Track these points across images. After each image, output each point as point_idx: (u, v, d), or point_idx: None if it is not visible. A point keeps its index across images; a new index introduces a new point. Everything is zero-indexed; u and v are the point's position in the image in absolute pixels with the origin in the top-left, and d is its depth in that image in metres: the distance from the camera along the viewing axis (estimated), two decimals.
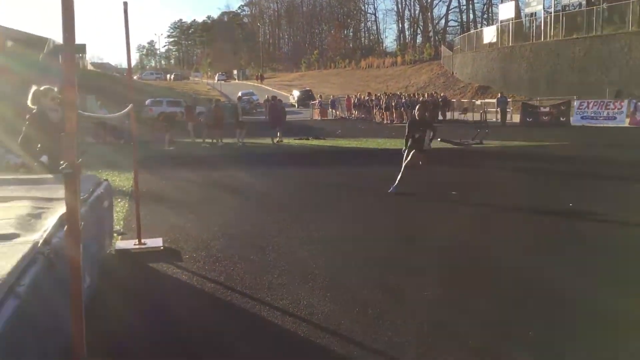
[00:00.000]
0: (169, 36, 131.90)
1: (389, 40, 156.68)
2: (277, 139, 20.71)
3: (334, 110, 39.38)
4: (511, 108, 31.73)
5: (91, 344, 2.38)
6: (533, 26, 42.64)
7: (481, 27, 60.76)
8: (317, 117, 38.20)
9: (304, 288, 4.82)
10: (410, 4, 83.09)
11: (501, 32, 44.15)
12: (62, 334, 2.99)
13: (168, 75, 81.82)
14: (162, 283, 5.09)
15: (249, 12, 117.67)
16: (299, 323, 4.10)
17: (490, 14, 72.84)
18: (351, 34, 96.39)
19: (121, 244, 6.23)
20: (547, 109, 28.68)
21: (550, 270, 5.29)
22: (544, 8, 40.50)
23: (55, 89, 6.08)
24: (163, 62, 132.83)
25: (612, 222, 7.22)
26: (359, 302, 4.49)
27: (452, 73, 51.46)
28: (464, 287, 4.86)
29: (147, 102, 33.67)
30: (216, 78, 76.32)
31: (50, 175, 5.29)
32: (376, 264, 5.55)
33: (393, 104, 33.22)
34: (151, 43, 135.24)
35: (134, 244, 6.13)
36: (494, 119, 30.34)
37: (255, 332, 4.01)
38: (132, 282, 5.10)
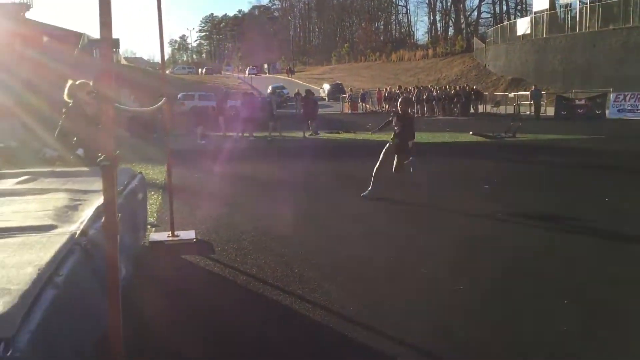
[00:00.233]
0: (200, 30, 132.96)
1: (420, 32, 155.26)
2: (310, 132, 20.71)
3: (364, 104, 39.20)
4: (545, 101, 31.17)
5: (127, 334, 2.42)
6: (568, 17, 41.69)
7: (514, 18, 59.68)
8: (347, 110, 38.09)
9: (336, 281, 4.82)
10: None
11: (535, 23, 43.29)
12: (99, 323, 3.05)
13: (200, 69, 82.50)
14: (195, 275, 5.15)
15: (279, 6, 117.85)
16: (330, 316, 4.11)
17: (523, 5, 71.45)
18: (382, 26, 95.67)
19: (155, 236, 6.31)
20: (583, 102, 28.06)
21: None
22: None
23: (91, 83, 6.18)
24: (195, 56, 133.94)
25: None
26: (390, 297, 4.48)
27: (485, 65, 50.72)
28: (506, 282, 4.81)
29: (179, 96, 33.99)
30: (247, 72, 76.63)
31: (86, 168, 5.38)
32: (408, 257, 5.52)
33: (424, 97, 32.91)
34: (183, 37, 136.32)
35: (167, 236, 6.21)
36: (528, 112, 29.86)
37: (286, 324, 4.03)
38: (166, 274, 5.17)
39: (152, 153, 13.11)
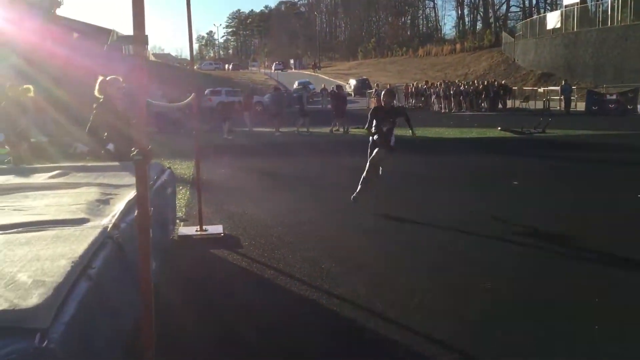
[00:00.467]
0: (227, 26, 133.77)
1: (448, 27, 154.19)
2: (335, 127, 20.67)
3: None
4: (576, 96, 30.63)
5: (156, 326, 2.44)
6: (599, 11, 40.84)
7: (544, 12, 58.73)
8: (373, 105, 37.92)
9: (362, 277, 4.82)
10: None
11: (565, 17, 42.53)
12: (130, 316, 3.10)
13: (226, 65, 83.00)
14: (223, 269, 5.19)
15: (305, 1, 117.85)
16: (357, 311, 4.11)
17: None
18: (409, 21, 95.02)
19: (183, 230, 6.38)
20: (614, 97, 27.46)
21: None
22: None
23: (121, 79, 6.27)
24: (221, 52, 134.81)
25: None
26: (417, 291, 4.45)
27: (514, 60, 50.04)
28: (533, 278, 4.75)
29: (206, 92, 34.23)
30: (273, 67, 76.86)
31: (116, 163, 5.47)
32: (437, 254, 5.49)
33: (451, 92, 32.59)
34: (210, 34, 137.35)
35: (196, 231, 6.28)
36: (558, 107, 29.38)
37: (313, 318, 4.04)
38: (195, 268, 5.22)
39: (179, 148, 13.25)
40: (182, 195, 8.35)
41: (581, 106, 28.95)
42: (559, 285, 4.58)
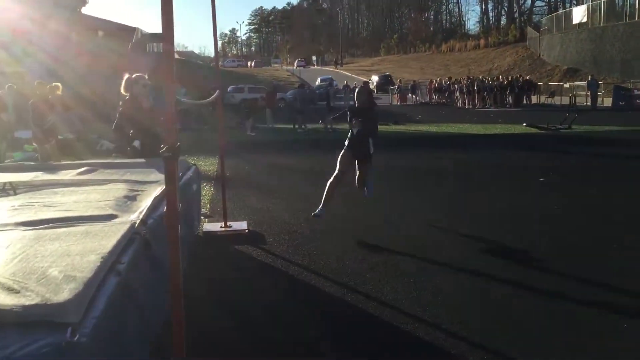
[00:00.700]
0: (250, 24, 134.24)
1: (472, 22, 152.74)
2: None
3: (414, 96, 38.78)
4: (602, 91, 30.15)
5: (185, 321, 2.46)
6: (627, 4, 40.11)
7: (570, 6, 57.87)
8: (396, 102, 37.78)
9: (388, 274, 4.80)
10: None
11: (592, 11, 41.85)
12: (158, 311, 3.13)
13: (249, 62, 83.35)
14: (247, 265, 5.21)
15: None
16: (383, 308, 4.09)
17: None
18: (432, 17, 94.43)
19: (208, 226, 6.42)
20: None
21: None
22: None
23: (146, 77, 6.32)
24: (244, 49, 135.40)
25: None
26: (444, 288, 4.43)
27: (539, 55, 49.43)
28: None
29: (229, 89, 34.40)
30: (295, 64, 76.97)
31: (142, 160, 5.52)
32: (458, 248, 5.45)
33: (475, 87, 32.28)
34: (233, 31, 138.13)
35: (220, 227, 6.31)
36: (584, 103, 28.95)
37: (338, 315, 4.04)
38: (220, 264, 5.25)
39: (203, 145, 13.34)
40: (206, 192, 8.40)
41: (608, 102, 28.53)
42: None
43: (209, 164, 11.47)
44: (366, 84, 23.63)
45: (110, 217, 3.33)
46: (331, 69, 72.47)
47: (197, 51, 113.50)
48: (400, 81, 42.79)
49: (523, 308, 4.06)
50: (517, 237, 5.90)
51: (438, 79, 39.48)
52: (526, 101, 31.89)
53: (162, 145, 2.07)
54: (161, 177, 4.51)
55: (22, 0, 28.95)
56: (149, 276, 3.10)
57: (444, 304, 4.12)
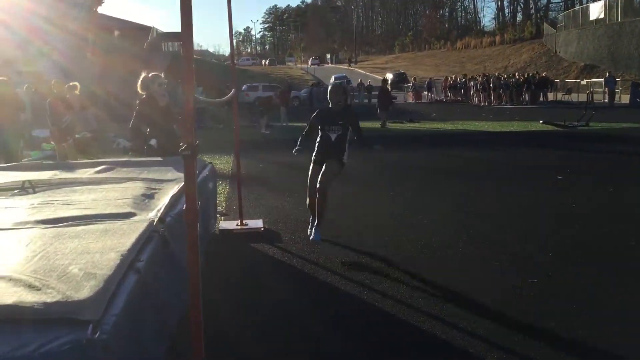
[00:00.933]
0: (264, 22, 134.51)
1: (487, 19, 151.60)
2: (383, 122, 20.56)
3: (429, 94, 38.62)
4: (620, 88, 29.80)
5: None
6: None
7: (587, 2, 57.19)
8: (411, 100, 37.66)
9: (404, 272, 4.79)
10: None
11: (609, 7, 41.35)
12: (176, 308, 3.15)
13: (263, 61, 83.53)
14: (264, 263, 5.23)
15: None
16: (400, 306, 4.08)
17: None
18: (447, 13, 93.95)
19: (224, 224, 6.45)
20: None
21: None
22: None
23: (162, 75, 6.36)
24: (258, 48, 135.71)
25: None
26: (459, 287, 4.41)
27: (555, 52, 48.96)
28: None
29: (244, 87, 34.54)
30: (309, 62, 76.98)
31: (159, 158, 5.55)
32: (478, 247, 5.42)
33: (491, 84, 32.06)
34: (247, 29, 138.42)
35: (236, 225, 6.33)
36: (601, 100, 28.64)
37: (354, 313, 4.03)
38: (236, 262, 5.27)
39: (218, 144, 13.38)
40: (222, 190, 8.44)
41: (625, 99, 28.19)
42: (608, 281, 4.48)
43: (224, 163, 11.51)
44: (384, 82, 23.47)
45: (128, 215, 3.36)
46: (345, 67, 72.37)
47: (211, 50, 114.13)
48: (414, 79, 42.61)
49: (540, 308, 4.02)
50: (534, 235, 5.85)
51: (453, 76, 39.27)
52: (543, 98, 31.61)
53: (180, 144, 2.09)
54: (178, 175, 4.54)
55: (39, 0, 29.22)
56: (166, 274, 3.12)
57: (461, 303, 4.10)
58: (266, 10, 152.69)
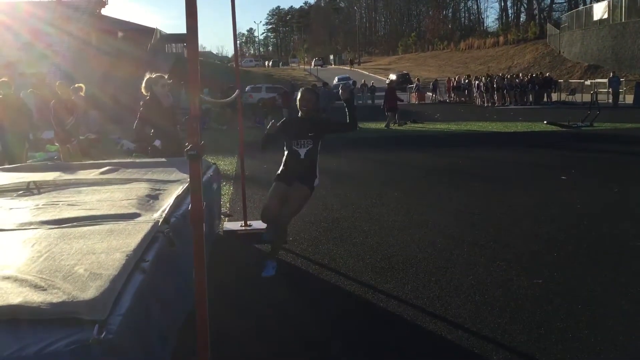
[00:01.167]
0: (267, 23, 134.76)
1: (490, 19, 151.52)
2: (393, 122, 20.63)
3: (433, 95, 38.59)
4: (624, 88, 29.73)
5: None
6: None
7: (590, 3, 57.09)
8: (414, 100, 37.64)
9: (409, 272, 4.78)
10: None
11: (613, 7, 41.25)
12: (181, 309, 3.15)
13: (266, 62, 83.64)
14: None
15: None
16: (404, 307, 4.08)
17: None
18: (450, 14, 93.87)
19: (228, 225, 6.44)
20: None
21: None
22: None
23: (166, 77, 6.37)
24: (261, 49, 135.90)
25: None
26: (465, 287, 4.40)
27: (559, 52, 48.87)
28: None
29: (247, 88, 34.57)
30: (313, 63, 77.04)
31: (163, 159, 5.56)
32: (483, 248, 5.41)
33: (494, 85, 32.01)
34: (250, 31, 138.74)
35: (241, 226, 6.33)
36: (605, 100, 28.57)
37: (359, 313, 4.03)
38: (241, 262, 5.27)
39: (222, 144, 13.40)
40: (226, 191, 8.44)
41: (629, 99, 28.12)
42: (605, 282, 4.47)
43: (227, 163, 11.53)
44: (391, 82, 23.48)
45: (133, 216, 3.36)
46: (348, 68, 72.38)
47: (214, 51, 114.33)
48: (418, 79, 42.59)
49: (546, 308, 4.01)
50: (539, 235, 5.84)
51: (456, 77, 39.24)
52: (546, 99, 31.57)
53: (184, 144, 2.09)
54: (182, 176, 4.55)
55: (42, 3, 29.32)
56: (171, 274, 3.13)
57: (466, 303, 4.10)
58: (269, 12, 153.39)
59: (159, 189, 4.15)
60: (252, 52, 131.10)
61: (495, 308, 4.00)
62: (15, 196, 4.10)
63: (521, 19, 75.44)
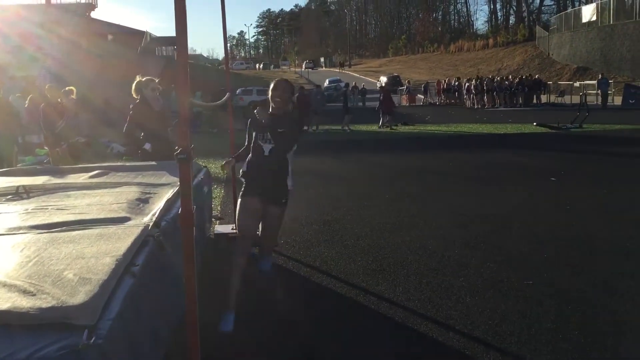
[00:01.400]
0: (257, 26, 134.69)
1: (480, 22, 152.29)
2: (385, 124, 20.74)
3: (424, 97, 38.68)
4: (613, 90, 29.94)
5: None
6: (636, 2, 39.80)
7: (579, 5, 57.52)
8: (405, 103, 37.71)
9: (400, 274, 4.79)
10: None
11: (601, 9, 41.57)
12: (172, 313, 3.14)
13: (257, 65, 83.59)
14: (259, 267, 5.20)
15: None
16: (396, 309, 4.08)
17: None
18: (440, 17, 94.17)
19: (219, 228, 6.43)
20: None
21: None
22: None
23: (156, 80, 6.34)
24: (252, 51, 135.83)
25: None
26: (456, 288, 4.41)
27: (548, 54, 49.18)
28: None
29: (238, 91, 34.52)
30: (303, 66, 77.05)
31: (153, 162, 5.54)
32: (473, 249, 5.42)
33: (484, 87, 32.14)
34: (241, 33, 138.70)
35: (232, 229, 6.30)
36: (594, 102, 28.76)
37: (350, 316, 4.03)
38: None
39: (213, 147, 13.36)
40: (217, 194, 8.42)
41: (618, 100, 28.33)
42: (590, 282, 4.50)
43: (219, 167, 11.46)
44: (386, 85, 23.62)
45: (123, 220, 3.34)
46: (338, 70, 72.45)
47: (205, 54, 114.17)
48: (409, 82, 42.69)
49: (536, 309, 4.03)
50: (529, 236, 5.87)
51: (446, 79, 39.37)
52: (536, 100, 31.73)
53: (174, 148, 2.09)
54: (172, 179, 4.54)
55: (32, 6, 29.16)
56: (162, 278, 3.11)
57: (457, 305, 4.11)
58: (260, 14, 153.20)
59: (149, 193, 4.13)
60: (242, 54, 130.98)
61: (485, 309, 4.01)
62: (4, 200, 4.07)
63: (510, 22, 75.84)
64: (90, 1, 36.38)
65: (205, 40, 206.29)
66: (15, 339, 2.01)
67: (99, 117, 17.78)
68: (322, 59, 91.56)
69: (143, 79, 6.18)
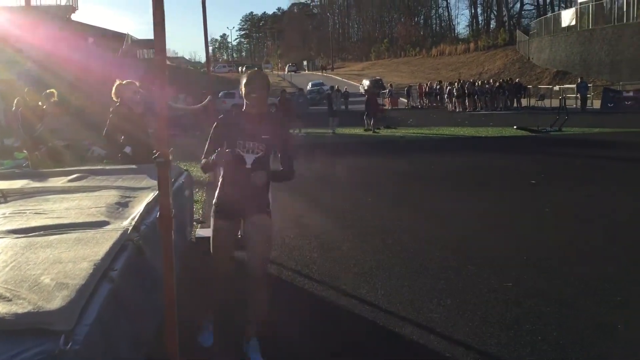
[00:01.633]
0: (240, 29, 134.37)
1: (461, 26, 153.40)
2: (370, 127, 20.85)
3: (406, 100, 38.86)
4: (592, 93, 30.33)
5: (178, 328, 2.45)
6: (615, 7, 40.43)
7: (559, 9, 58.23)
8: (387, 106, 37.85)
9: (381, 277, 4.80)
10: None
11: (580, 14, 42.13)
12: (151, 318, 3.11)
13: (240, 68, 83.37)
14: (241, 270, 5.18)
15: (318, 3, 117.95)
16: (377, 312, 4.09)
17: None
18: (422, 21, 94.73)
19: (201, 232, 6.39)
20: (631, 94, 27.23)
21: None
22: None
23: (137, 83, 6.30)
24: (235, 55, 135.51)
25: None
26: (437, 291, 4.44)
27: (528, 58, 49.67)
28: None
29: (220, 94, 34.42)
30: (286, 69, 77.01)
31: (134, 166, 5.49)
32: (454, 252, 5.45)
33: (465, 91, 32.40)
34: (223, 36, 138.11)
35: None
36: (574, 105, 29.11)
37: (332, 319, 4.03)
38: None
39: (194, 151, 13.30)
40: (199, 198, 8.38)
41: (597, 104, 28.70)
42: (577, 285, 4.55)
43: (200, 170, 11.42)
44: (372, 89, 23.77)
45: (102, 224, 3.31)
46: (321, 74, 72.54)
47: (187, 57, 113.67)
48: (391, 85, 42.86)
49: (515, 310, 4.06)
50: (508, 239, 5.92)
51: (428, 83, 39.60)
52: (516, 104, 32.05)
53: (153, 151, 2.07)
54: (153, 183, 4.50)
55: (11, 7, 28.80)
56: (141, 283, 3.09)
57: (437, 307, 4.13)
58: (242, 17, 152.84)
59: (128, 197, 4.10)
60: (225, 57, 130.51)
61: (466, 311, 4.04)
62: None
63: (491, 26, 76.48)
64: (71, 3, 36.03)
65: (188, 43, 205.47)
66: None
67: (80, 120, 17.61)
68: (304, 62, 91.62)
69: (123, 82, 6.14)
